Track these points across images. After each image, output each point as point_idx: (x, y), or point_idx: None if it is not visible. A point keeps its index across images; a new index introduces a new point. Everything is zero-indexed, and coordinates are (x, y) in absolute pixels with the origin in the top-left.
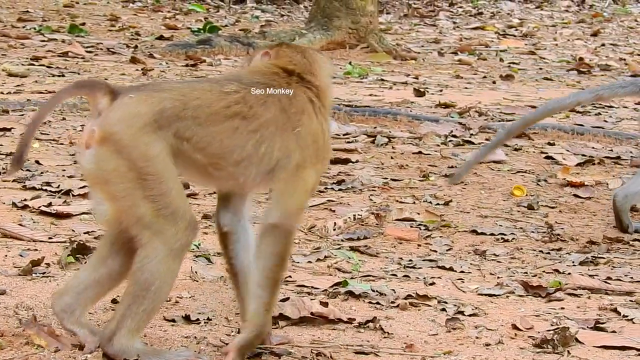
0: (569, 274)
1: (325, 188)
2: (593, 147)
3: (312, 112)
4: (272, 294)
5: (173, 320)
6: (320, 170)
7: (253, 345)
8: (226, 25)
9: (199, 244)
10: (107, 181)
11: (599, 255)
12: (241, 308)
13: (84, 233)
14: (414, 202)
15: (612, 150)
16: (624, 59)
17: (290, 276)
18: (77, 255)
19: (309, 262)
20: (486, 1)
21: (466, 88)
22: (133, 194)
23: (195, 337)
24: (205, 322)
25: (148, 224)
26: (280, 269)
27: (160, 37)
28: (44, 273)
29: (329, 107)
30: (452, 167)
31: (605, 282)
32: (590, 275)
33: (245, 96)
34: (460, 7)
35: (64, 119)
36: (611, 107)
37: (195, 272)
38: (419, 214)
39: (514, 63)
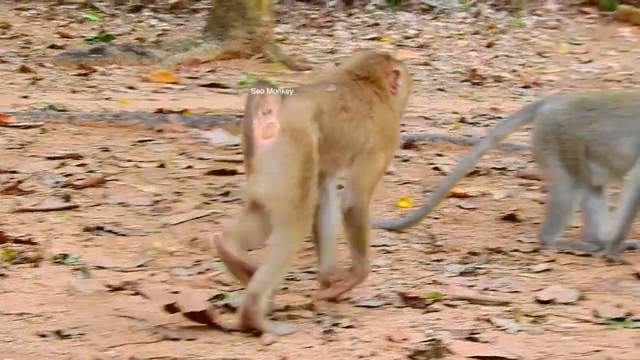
0: (448, 284)
1: (211, 200)
2: (483, 158)
3: (379, 102)
4: (363, 251)
5: (44, 335)
6: (390, 155)
7: (355, 285)
8: (121, 34)
9: (78, 257)
10: (280, 164)
11: (479, 266)
12: (318, 259)
13: None
14: None
15: (499, 161)
16: (516, 70)
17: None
18: None
19: (190, 274)
20: (383, 12)
21: None
22: (295, 176)
23: (65, 353)
24: (77, 337)
25: (297, 206)
26: (363, 235)
27: (53, 46)
28: None
29: (398, 105)
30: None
31: (483, 293)
32: (468, 286)
33: (342, 93)
34: (358, 17)
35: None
36: (500, 117)
37: (72, 285)
38: None
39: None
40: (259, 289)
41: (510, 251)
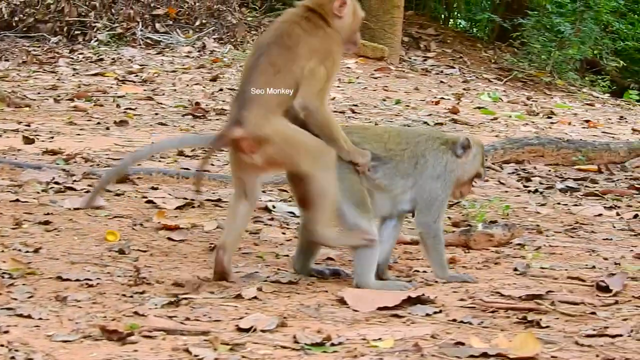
0: (147, 316)
1: None
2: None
3: (325, 26)
4: (337, 140)
5: None
6: (330, 67)
7: None
8: None
9: None
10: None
11: (183, 297)
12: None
13: None
14: (2, 251)
15: (215, 192)
16: None
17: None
18: None
19: None
20: (108, 48)
21: (79, 134)
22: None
23: None
24: None
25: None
26: (330, 128)
27: None
28: None
29: (344, 29)
30: (48, 214)
31: (182, 323)
32: (169, 317)
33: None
34: (81, 53)
35: None
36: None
37: None
38: (4, 262)
39: (130, 109)
40: None
41: (217, 281)
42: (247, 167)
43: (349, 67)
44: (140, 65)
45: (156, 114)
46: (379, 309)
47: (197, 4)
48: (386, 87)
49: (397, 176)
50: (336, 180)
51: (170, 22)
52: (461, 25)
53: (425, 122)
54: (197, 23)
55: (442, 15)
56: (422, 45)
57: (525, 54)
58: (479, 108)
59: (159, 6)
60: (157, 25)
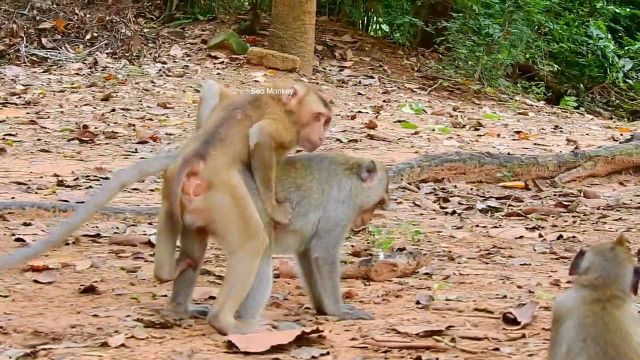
0: None
1: None
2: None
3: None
4: (269, 187)
5: None
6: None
7: None
8: None
9: None
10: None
11: (43, 347)
12: None
13: None
14: None
15: (97, 226)
16: (134, 125)
17: None
18: None
19: None
20: None
21: None
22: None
23: None
24: None
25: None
26: (268, 172)
27: None
28: None
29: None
30: None
31: None
32: None
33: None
34: None
35: None
36: (107, 178)
37: None
38: None
39: (10, 134)
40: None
41: (89, 325)
42: (177, 208)
43: (257, 81)
44: (24, 86)
45: (38, 139)
46: (273, 347)
47: (88, 15)
48: None
49: (310, 211)
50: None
51: (59, 37)
52: (382, 31)
53: (338, 140)
54: (88, 36)
55: (360, 21)
56: (338, 54)
57: (451, 61)
58: (400, 121)
59: (45, 19)
60: (44, 41)
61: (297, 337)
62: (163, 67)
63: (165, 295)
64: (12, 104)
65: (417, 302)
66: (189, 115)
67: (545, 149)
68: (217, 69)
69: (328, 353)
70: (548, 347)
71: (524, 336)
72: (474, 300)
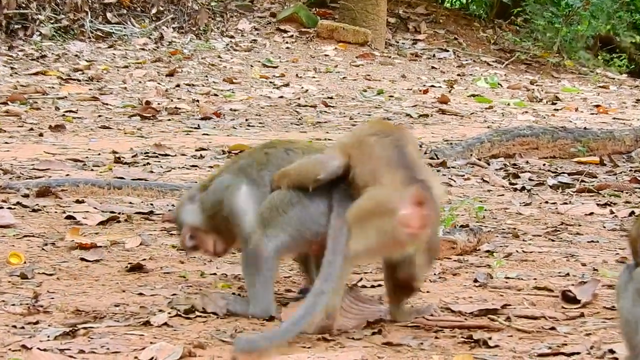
0: (33, 349)
1: None
2: (130, 202)
3: None
4: None
5: None
6: None
7: None
8: None
9: None
10: None
11: (84, 326)
12: None
13: None
14: None
15: (152, 204)
16: (198, 101)
17: None
18: None
19: None
20: (52, 42)
21: (7, 143)
22: None
23: None
24: None
25: None
26: None
27: None
28: None
29: None
30: None
31: (72, 357)
32: (60, 350)
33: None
34: (22, 50)
35: None
36: (166, 155)
37: None
38: None
39: (71, 111)
40: None
41: (133, 304)
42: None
43: (327, 55)
44: (88, 61)
45: (99, 116)
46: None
47: None
48: (369, 75)
49: None
50: None
51: (124, 11)
52: (457, 2)
53: (408, 115)
54: (154, 11)
55: None
56: (411, 27)
57: (528, 33)
58: (474, 96)
59: None
60: (109, 15)
61: None
62: (231, 41)
63: (215, 274)
64: (74, 79)
65: (475, 280)
66: (254, 91)
67: (624, 124)
68: (286, 43)
69: (379, 332)
70: None
71: (582, 315)
72: (534, 279)
